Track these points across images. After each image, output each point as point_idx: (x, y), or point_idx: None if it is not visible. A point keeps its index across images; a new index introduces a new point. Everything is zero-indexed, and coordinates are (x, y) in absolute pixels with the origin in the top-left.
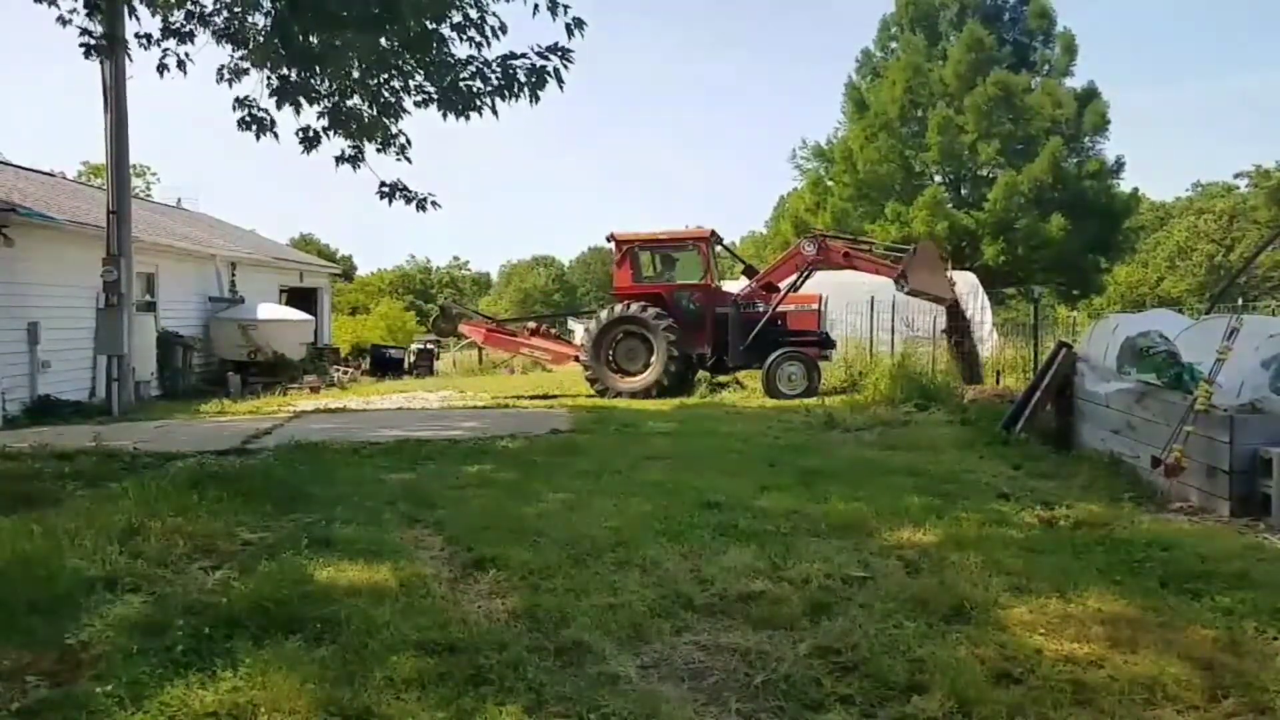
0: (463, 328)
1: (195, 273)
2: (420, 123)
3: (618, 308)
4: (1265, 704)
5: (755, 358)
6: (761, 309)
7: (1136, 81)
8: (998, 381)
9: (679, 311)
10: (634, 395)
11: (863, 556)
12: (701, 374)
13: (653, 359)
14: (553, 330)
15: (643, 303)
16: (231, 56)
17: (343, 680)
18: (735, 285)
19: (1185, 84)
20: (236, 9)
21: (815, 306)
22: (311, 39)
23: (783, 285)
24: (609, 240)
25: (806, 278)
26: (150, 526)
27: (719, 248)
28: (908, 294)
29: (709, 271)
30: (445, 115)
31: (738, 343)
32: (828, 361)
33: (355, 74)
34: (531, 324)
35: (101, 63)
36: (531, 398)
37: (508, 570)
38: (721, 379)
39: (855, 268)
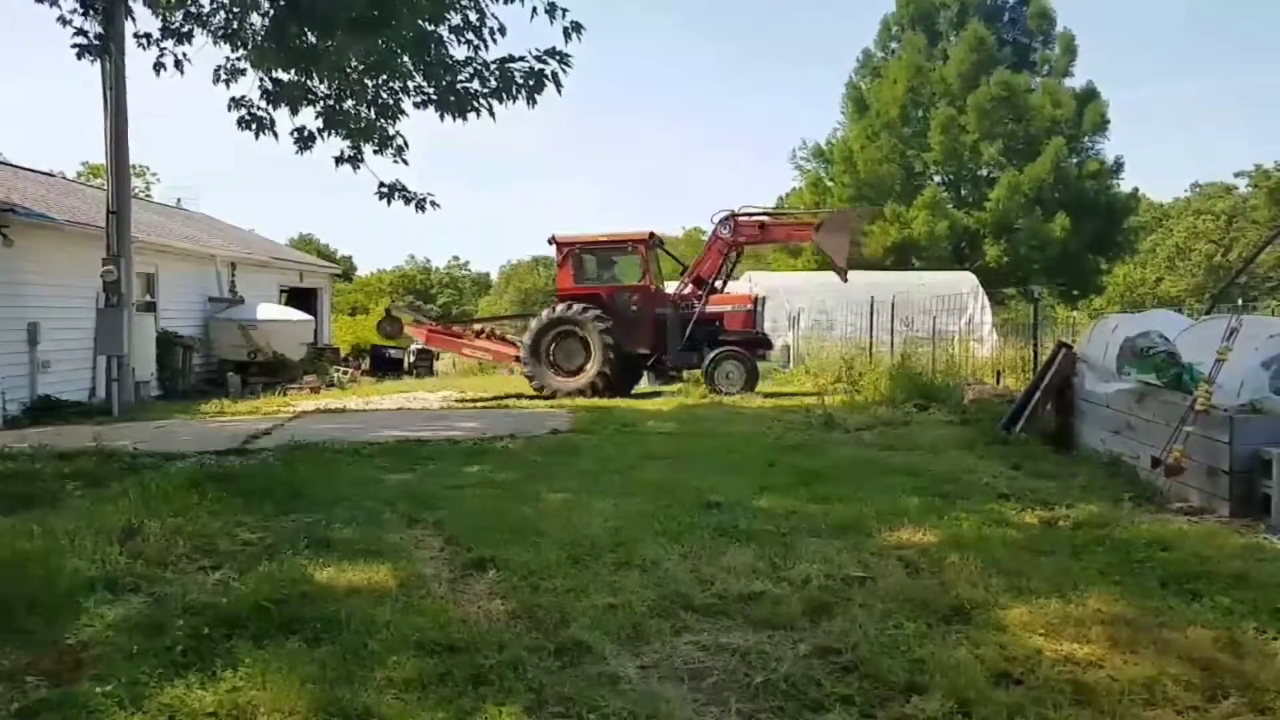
0: (409, 329)
1: (195, 273)
2: (421, 123)
3: (557, 308)
4: (1265, 704)
5: (693, 357)
6: (712, 309)
7: (1136, 81)
8: (998, 381)
9: (620, 312)
10: (572, 394)
11: (862, 557)
12: (700, 374)
13: (590, 358)
14: (497, 332)
15: (579, 303)
16: (228, 58)
17: (343, 680)
18: (673, 286)
19: (1185, 84)
20: (235, 10)
21: (750, 307)
22: (309, 39)
23: (708, 274)
24: (550, 243)
25: (736, 260)
26: (150, 526)
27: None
28: (816, 248)
29: (647, 272)
30: (443, 116)
31: (675, 342)
32: (764, 361)
33: (353, 75)
34: (477, 325)
35: (101, 63)
36: (531, 398)
37: (507, 570)
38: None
39: (774, 238)
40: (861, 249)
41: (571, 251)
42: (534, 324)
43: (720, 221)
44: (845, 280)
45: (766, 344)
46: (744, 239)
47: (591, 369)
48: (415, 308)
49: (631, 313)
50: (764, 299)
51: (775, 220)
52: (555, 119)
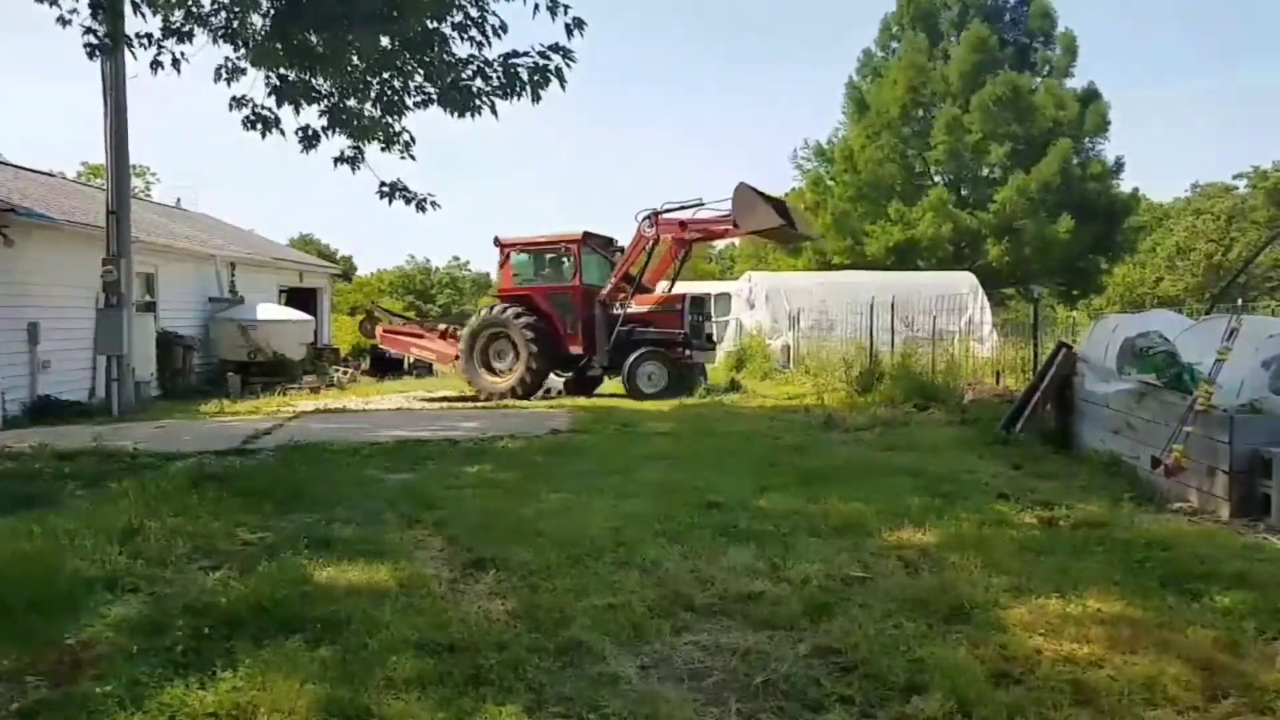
0: (378, 330)
1: (195, 273)
2: (422, 122)
3: (493, 310)
4: (1265, 704)
5: (621, 358)
6: (643, 309)
7: (1137, 81)
8: (998, 381)
9: (555, 313)
10: (501, 395)
11: (862, 557)
12: (709, 375)
13: (517, 360)
14: (459, 331)
15: (510, 306)
16: (228, 58)
17: (343, 680)
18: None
19: (1185, 84)
20: (235, 9)
21: (678, 307)
22: (311, 38)
23: (636, 274)
24: (495, 244)
25: (684, 260)
26: (150, 526)
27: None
28: (748, 234)
29: (579, 273)
30: (451, 114)
31: (603, 343)
32: (689, 362)
33: (355, 74)
34: (442, 326)
35: (101, 63)
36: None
37: (508, 570)
38: (716, 379)
39: (696, 235)
40: (863, 249)
41: (511, 252)
42: (468, 326)
43: (644, 219)
44: (814, 235)
45: (689, 343)
46: (667, 235)
47: (516, 370)
48: (422, 313)
49: (565, 314)
50: (695, 297)
51: (694, 216)
52: (556, 120)
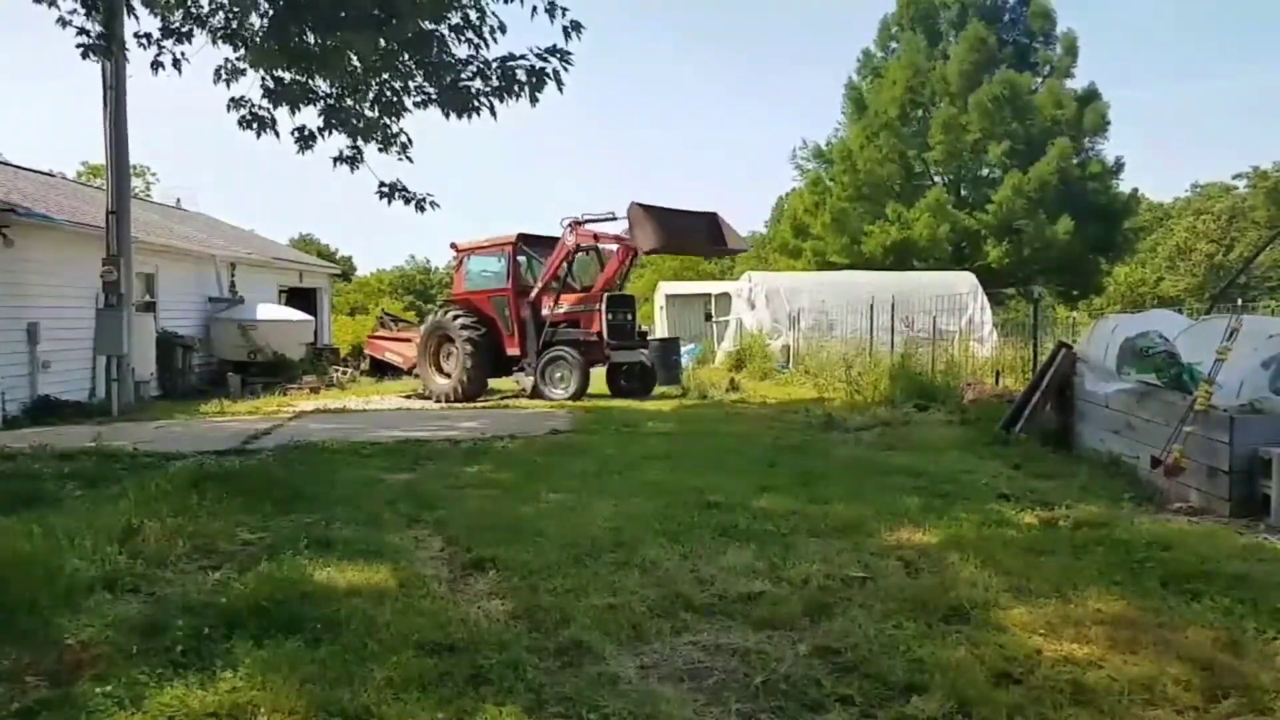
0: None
1: (195, 273)
2: (422, 122)
3: (438, 315)
4: (1265, 704)
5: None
6: (562, 310)
7: (1137, 81)
8: (998, 381)
9: (496, 316)
10: (446, 396)
11: (862, 557)
12: (709, 376)
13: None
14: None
15: (454, 309)
16: (228, 59)
17: (343, 680)
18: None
19: (1185, 84)
20: (234, 10)
21: (596, 306)
22: (310, 39)
23: (555, 277)
24: (451, 248)
25: (630, 266)
26: (150, 526)
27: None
28: (650, 253)
29: (513, 276)
30: (447, 115)
31: (532, 345)
32: (612, 362)
33: (355, 75)
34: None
35: (101, 63)
36: (530, 397)
37: (507, 570)
38: (717, 379)
39: (607, 245)
40: (861, 248)
41: (463, 257)
42: (422, 329)
43: (567, 228)
44: (743, 247)
45: (607, 343)
46: (587, 241)
47: (455, 372)
48: (423, 314)
49: (505, 316)
50: (617, 296)
51: (605, 232)
52: (557, 121)
